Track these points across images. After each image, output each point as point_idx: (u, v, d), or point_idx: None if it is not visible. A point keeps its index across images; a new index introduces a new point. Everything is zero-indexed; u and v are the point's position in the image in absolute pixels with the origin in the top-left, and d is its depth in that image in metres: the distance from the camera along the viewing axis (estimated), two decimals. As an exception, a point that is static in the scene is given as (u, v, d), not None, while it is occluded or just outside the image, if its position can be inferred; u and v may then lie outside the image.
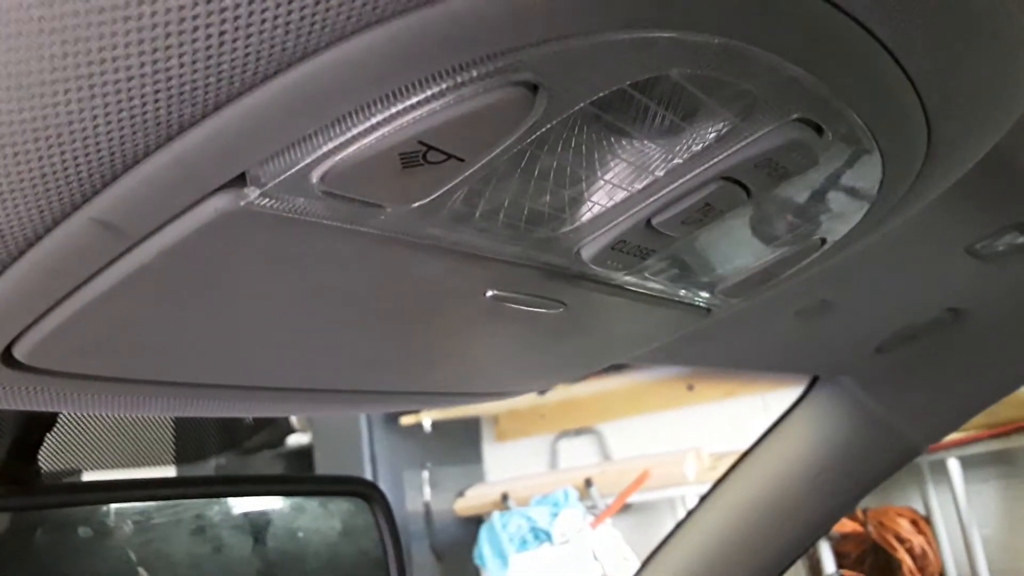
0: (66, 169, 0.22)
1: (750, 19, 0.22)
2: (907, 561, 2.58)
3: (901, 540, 2.61)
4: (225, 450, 2.80)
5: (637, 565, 1.07)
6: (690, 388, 3.17)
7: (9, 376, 0.32)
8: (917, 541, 2.61)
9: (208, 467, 2.66)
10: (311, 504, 0.73)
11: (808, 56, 0.24)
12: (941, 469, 2.59)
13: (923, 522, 2.69)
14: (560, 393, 3.20)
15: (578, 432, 3.53)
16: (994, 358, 0.93)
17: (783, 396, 1.07)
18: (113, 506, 0.61)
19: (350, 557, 0.73)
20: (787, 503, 1.02)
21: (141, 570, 0.61)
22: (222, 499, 0.67)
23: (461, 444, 3.65)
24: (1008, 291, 0.76)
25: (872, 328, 0.81)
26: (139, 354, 0.33)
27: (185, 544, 0.63)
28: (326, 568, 0.71)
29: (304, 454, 3.19)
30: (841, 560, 2.64)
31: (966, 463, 2.56)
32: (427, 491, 3.34)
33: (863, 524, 2.63)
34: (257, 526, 0.68)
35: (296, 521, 0.72)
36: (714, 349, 0.78)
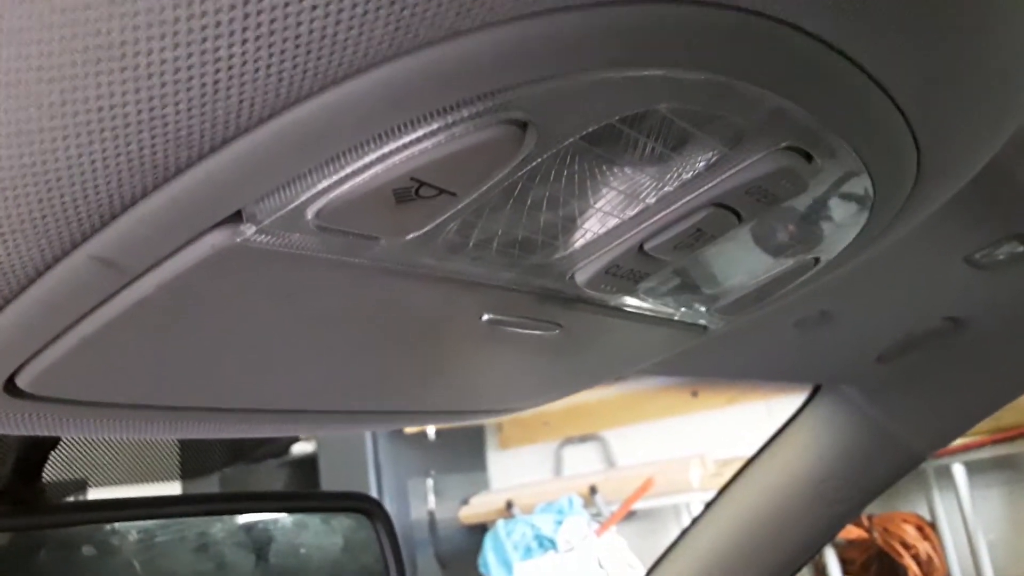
0: (65, 210, 0.22)
1: (739, 56, 0.22)
2: (913, 567, 2.57)
3: (906, 546, 2.60)
4: (231, 463, 2.80)
5: (642, 572, 1.07)
6: (694, 395, 3.17)
7: (12, 404, 0.32)
8: (923, 547, 2.60)
9: (213, 478, 2.66)
10: (313, 520, 0.73)
11: (797, 90, 0.24)
12: (946, 475, 2.58)
13: (928, 528, 2.68)
14: (564, 400, 3.19)
15: (582, 439, 3.53)
16: (995, 366, 0.93)
17: (787, 402, 1.07)
18: (116, 525, 0.61)
19: (352, 573, 0.73)
20: (791, 511, 1.02)
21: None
22: (225, 516, 0.67)
23: (465, 452, 3.65)
24: (1008, 300, 0.76)
25: (872, 338, 0.81)
26: (140, 381, 0.33)
27: (189, 562, 0.63)
28: (328, 584, 0.72)
29: (308, 463, 3.19)
30: (846, 567, 2.63)
31: (971, 468, 2.55)
32: (431, 499, 3.34)
33: (868, 530, 2.63)
34: (259, 543, 0.69)
35: (298, 537, 0.72)
36: (714, 361, 0.78)
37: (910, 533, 2.62)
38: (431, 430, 3.29)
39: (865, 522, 2.63)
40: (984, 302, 0.76)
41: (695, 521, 1.06)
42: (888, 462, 1.02)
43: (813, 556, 1.11)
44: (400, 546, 0.69)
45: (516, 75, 0.20)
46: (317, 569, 0.72)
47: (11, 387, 0.31)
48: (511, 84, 0.21)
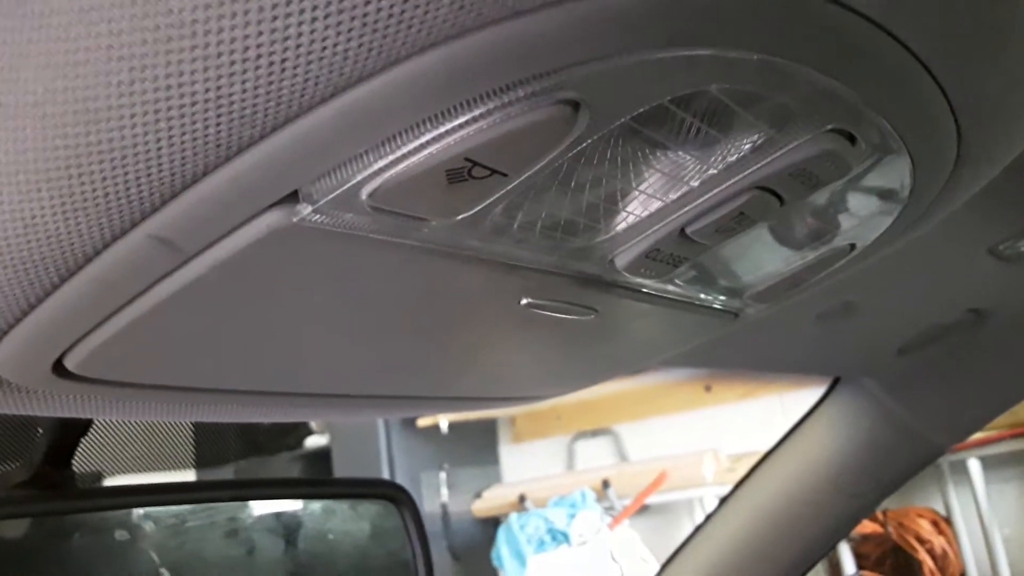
0: (128, 189, 0.22)
1: (788, 35, 0.22)
2: (928, 562, 2.56)
3: (921, 541, 2.59)
4: (245, 455, 2.81)
5: (655, 566, 1.07)
6: (708, 389, 3.16)
7: (59, 385, 0.33)
8: (938, 542, 2.59)
9: (227, 470, 2.67)
10: (341, 507, 0.74)
11: (844, 69, 0.25)
12: (962, 469, 2.57)
13: (944, 523, 2.67)
14: (577, 394, 3.19)
15: (595, 433, 3.53)
16: (1016, 359, 0.92)
17: (801, 397, 1.07)
18: (147, 509, 0.62)
19: (379, 559, 0.74)
20: (808, 505, 1.02)
21: (165, 571, 0.62)
22: (254, 502, 0.68)
23: (478, 445, 3.65)
24: (1031, 292, 0.76)
25: (894, 330, 0.81)
26: (186, 363, 0.34)
27: (219, 546, 0.64)
28: (355, 570, 0.72)
29: (322, 456, 3.19)
30: (861, 561, 2.62)
31: (987, 463, 2.54)
32: (444, 492, 3.35)
33: (883, 525, 2.62)
34: (289, 528, 0.69)
35: (326, 523, 0.73)
36: (736, 352, 0.78)
37: (925, 528, 2.62)
38: (444, 424, 3.30)
39: (880, 517, 2.62)
40: (1006, 294, 0.76)
41: (711, 515, 1.06)
42: (907, 455, 1.02)
43: (830, 550, 1.10)
44: (426, 533, 0.70)
45: (572, 55, 0.21)
46: (345, 554, 0.72)
47: (59, 368, 0.31)
48: (566, 64, 0.21)
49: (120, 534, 0.60)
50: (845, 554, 2.57)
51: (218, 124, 0.21)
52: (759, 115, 0.26)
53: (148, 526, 0.62)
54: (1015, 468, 2.66)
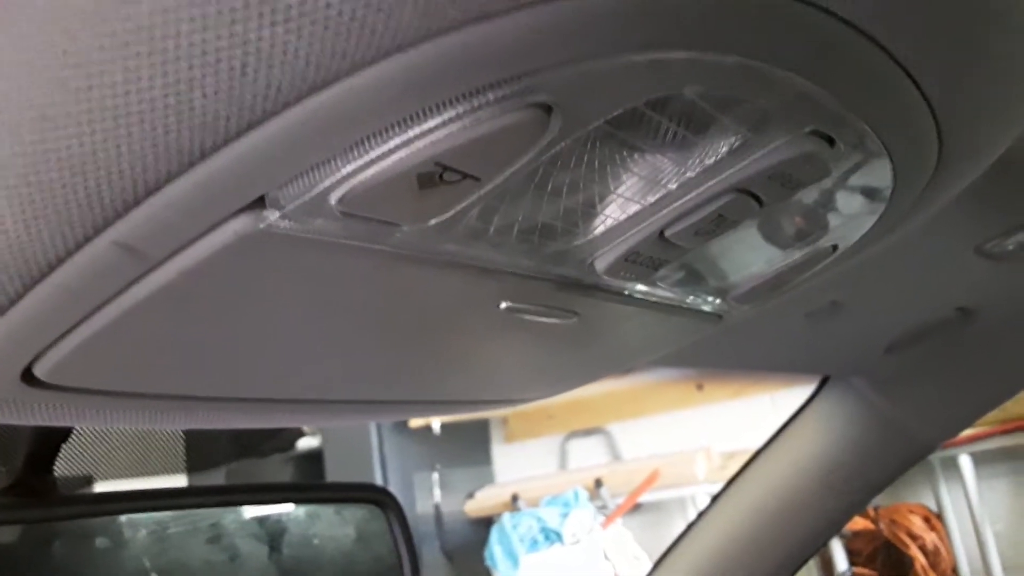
0: (88, 196, 0.22)
1: (766, 38, 0.22)
2: (919, 558, 2.57)
3: (913, 537, 2.60)
4: (237, 457, 2.81)
5: (648, 565, 1.07)
6: (699, 388, 3.17)
7: (29, 394, 0.32)
8: (929, 538, 2.60)
9: (219, 472, 2.66)
10: (326, 511, 0.73)
11: (822, 72, 0.24)
12: (953, 465, 2.58)
13: (935, 519, 2.68)
14: (569, 394, 3.19)
15: (587, 432, 3.53)
16: (1004, 357, 0.92)
17: (792, 395, 1.07)
18: (129, 516, 0.61)
19: (365, 564, 0.73)
20: (799, 502, 1.02)
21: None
22: (238, 507, 0.67)
23: (470, 446, 3.65)
24: (1018, 290, 0.76)
25: (882, 328, 0.81)
26: (157, 370, 0.33)
27: (202, 553, 0.63)
28: (341, 575, 0.72)
29: (314, 458, 3.19)
30: (853, 558, 2.63)
31: (978, 459, 2.55)
32: (437, 493, 3.35)
33: (875, 521, 2.63)
34: (273, 534, 0.69)
35: (311, 528, 0.72)
36: (724, 352, 0.78)
37: (917, 524, 2.62)
38: (436, 424, 3.29)
39: (871, 513, 2.63)
40: (993, 292, 0.76)
41: (703, 513, 1.06)
42: (896, 453, 1.02)
43: (821, 547, 1.11)
44: (413, 536, 0.69)
45: (543, 58, 0.20)
46: (330, 560, 0.72)
47: (28, 376, 0.31)
48: (538, 67, 0.20)
49: (101, 541, 0.60)
50: (837, 550, 2.58)
51: (179, 130, 0.20)
52: (736, 118, 0.26)
53: (128, 533, 0.61)
54: (1006, 464, 2.68)
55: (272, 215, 0.23)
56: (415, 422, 3.26)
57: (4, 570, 0.57)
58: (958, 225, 0.58)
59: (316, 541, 0.72)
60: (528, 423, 3.62)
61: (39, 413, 0.35)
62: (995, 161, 0.38)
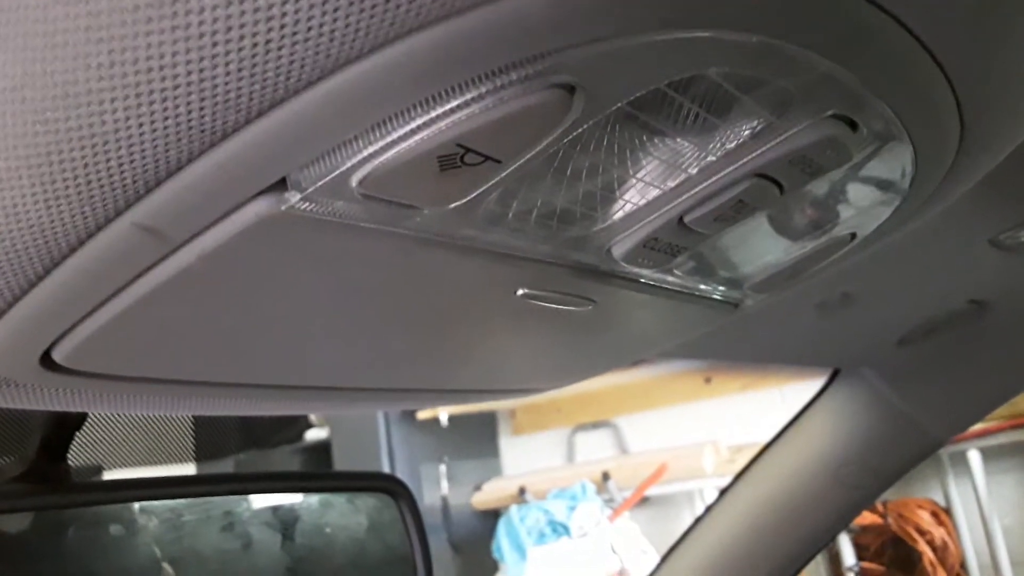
0: (111, 175, 0.22)
1: (789, 17, 0.22)
2: (927, 553, 2.56)
3: (921, 532, 2.59)
4: (245, 448, 2.81)
5: (655, 558, 1.07)
6: (707, 381, 3.16)
7: (47, 378, 0.32)
8: (937, 533, 2.60)
9: (227, 463, 2.67)
10: (338, 500, 0.73)
11: (846, 53, 0.24)
12: (961, 460, 2.57)
13: (943, 514, 2.67)
14: (576, 386, 3.19)
15: (595, 425, 3.53)
16: (1017, 350, 0.92)
17: (801, 388, 1.07)
18: (143, 504, 0.61)
19: (377, 552, 0.73)
20: (808, 496, 1.02)
21: (167, 567, 0.61)
22: (251, 496, 0.67)
23: (478, 438, 3.66)
24: (1032, 282, 0.75)
25: (894, 321, 0.80)
26: (175, 355, 0.33)
27: (216, 541, 0.64)
28: (353, 563, 0.72)
29: (322, 449, 3.20)
30: (861, 552, 2.63)
31: (986, 454, 2.54)
32: (444, 485, 3.35)
33: (883, 516, 2.62)
34: (285, 522, 0.69)
35: (324, 517, 0.73)
36: (736, 344, 0.78)
37: (925, 519, 2.62)
38: (444, 416, 3.30)
39: (880, 508, 2.62)
40: (1007, 285, 0.75)
41: (711, 506, 1.06)
42: (907, 447, 1.02)
43: (830, 541, 1.10)
44: (424, 525, 0.70)
45: (566, 37, 0.20)
46: (342, 548, 0.72)
47: (47, 361, 0.31)
48: (561, 46, 0.20)
49: (115, 528, 0.60)
50: (845, 545, 2.57)
51: (202, 108, 0.20)
52: (758, 100, 0.26)
53: (143, 520, 0.62)
54: (1015, 459, 2.67)
55: (293, 197, 0.23)
56: (423, 414, 3.26)
57: (19, 556, 0.57)
58: (972, 216, 0.58)
59: (328, 530, 0.72)
60: (536, 416, 3.62)
61: (57, 398, 0.35)
62: (1010, 153, 0.38)
